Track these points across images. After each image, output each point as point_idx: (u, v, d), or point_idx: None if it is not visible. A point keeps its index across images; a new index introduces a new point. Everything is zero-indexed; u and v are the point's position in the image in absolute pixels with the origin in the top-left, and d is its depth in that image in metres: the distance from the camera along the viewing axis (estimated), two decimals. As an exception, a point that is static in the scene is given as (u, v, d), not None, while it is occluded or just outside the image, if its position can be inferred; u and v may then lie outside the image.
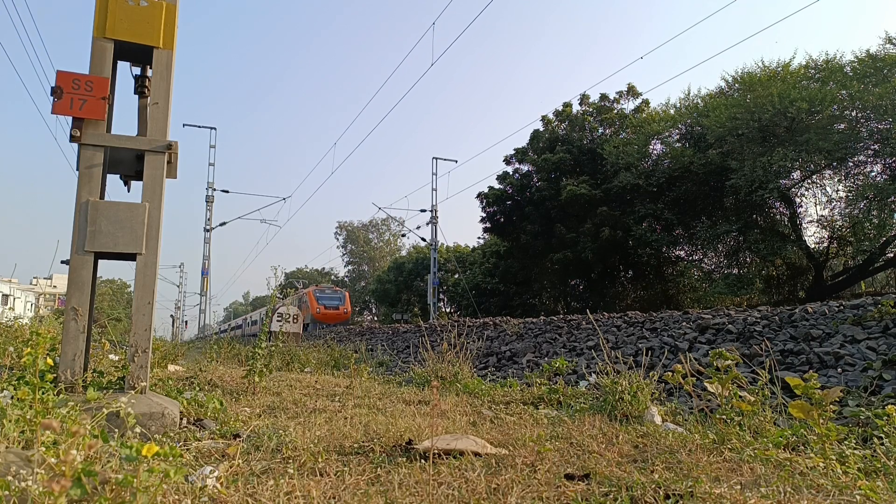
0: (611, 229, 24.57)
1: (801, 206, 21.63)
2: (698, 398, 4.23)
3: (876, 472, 2.45)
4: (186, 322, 56.90)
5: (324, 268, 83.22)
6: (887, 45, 19.18)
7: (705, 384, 3.34)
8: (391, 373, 9.06)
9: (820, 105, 17.80)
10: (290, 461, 2.48)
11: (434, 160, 34.16)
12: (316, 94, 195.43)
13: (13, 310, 38.02)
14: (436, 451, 2.52)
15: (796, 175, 20.31)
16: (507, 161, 36.80)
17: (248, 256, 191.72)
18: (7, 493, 1.36)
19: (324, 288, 39.48)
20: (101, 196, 3.48)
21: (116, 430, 2.49)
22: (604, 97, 33.44)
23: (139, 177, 3.48)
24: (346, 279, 76.56)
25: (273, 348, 5.65)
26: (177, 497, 1.79)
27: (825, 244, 20.95)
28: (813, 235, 21.33)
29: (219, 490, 1.95)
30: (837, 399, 3.95)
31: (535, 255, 30.17)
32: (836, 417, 3.95)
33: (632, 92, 32.89)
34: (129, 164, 3.67)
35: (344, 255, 79.07)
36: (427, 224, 34.58)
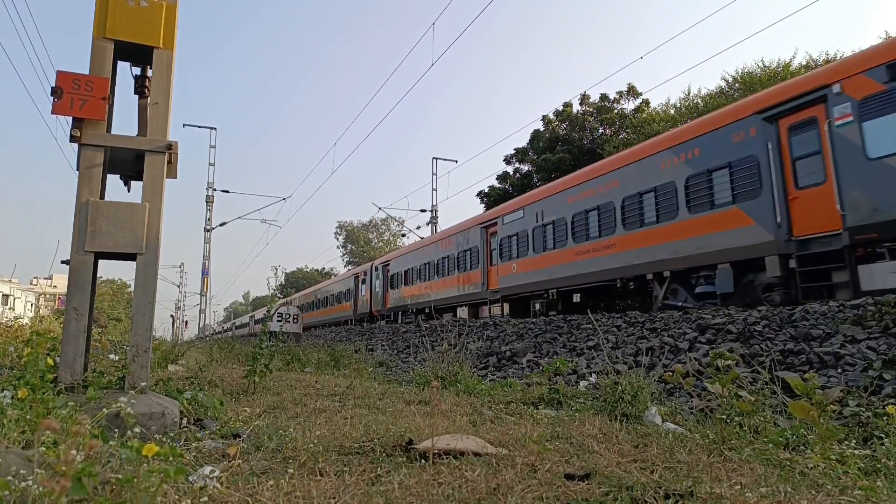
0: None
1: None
2: (698, 398, 4.23)
3: (876, 472, 2.45)
4: (186, 322, 56.96)
5: (324, 268, 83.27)
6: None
7: (705, 384, 3.34)
8: (391, 373, 9.05)
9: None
10: (291, 461, 2.48)
11: (434, 160, 34.23)
12: (316, 94, 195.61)
13: (13, 310, 38.07)
14: (436, 451, 2.52)
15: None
16: (508, 161, 36.81)
17: (248, 256, 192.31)
18: (7, 493, 1.36)
19: None
20: (102, 196, 3.48)
21: (116, 430, 2.48)
22: (604, 97, 33.46)
23: (139, 177, 3.48)
24: (345, 279, 76.50)
25: (274, 348, 5.65)
26: (177, 497, 1.78)
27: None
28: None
29: (219, 490, 1.95)
30: (837, 399, 3.95)
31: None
32: (836, 417, 3.94)
33: (632, 92, 32.91)
34: (129, 164, 3.67)
35: (344, 255, 79.07)
36: (427, 224, 34.62)
